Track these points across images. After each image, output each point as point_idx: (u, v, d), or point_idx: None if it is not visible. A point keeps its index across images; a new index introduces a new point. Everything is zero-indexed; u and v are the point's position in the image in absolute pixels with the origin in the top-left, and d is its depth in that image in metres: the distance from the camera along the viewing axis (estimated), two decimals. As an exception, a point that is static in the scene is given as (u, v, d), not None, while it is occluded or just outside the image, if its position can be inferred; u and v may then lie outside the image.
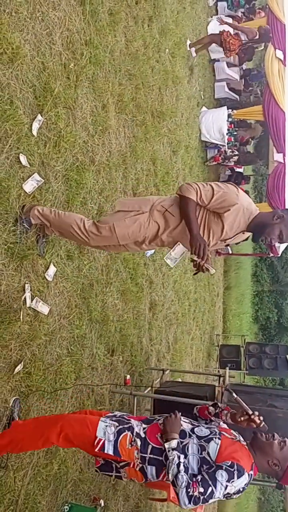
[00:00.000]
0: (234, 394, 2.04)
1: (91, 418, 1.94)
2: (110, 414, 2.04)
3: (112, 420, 1.94)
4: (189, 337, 6.16)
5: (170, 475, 1.77)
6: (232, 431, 1.97)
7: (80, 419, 1.93)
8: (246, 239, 2.39)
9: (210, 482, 1.73)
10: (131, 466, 1.89)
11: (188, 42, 6.69)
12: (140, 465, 1.88)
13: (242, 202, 2.17)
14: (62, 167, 2.72)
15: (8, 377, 2.18)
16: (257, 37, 7.57)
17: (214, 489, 1.72)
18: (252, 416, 1.92)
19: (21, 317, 2.25)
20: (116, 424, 1.92)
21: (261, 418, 1.94)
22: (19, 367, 2.23)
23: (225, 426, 2.00)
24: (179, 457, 1.79)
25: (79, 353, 2.87)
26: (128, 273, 3.86)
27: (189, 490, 1.71)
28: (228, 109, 7.95)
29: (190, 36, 6.87)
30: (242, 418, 1.94)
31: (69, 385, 2.67)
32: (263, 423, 1.93)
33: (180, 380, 4.99)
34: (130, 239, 2.26)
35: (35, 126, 2.44)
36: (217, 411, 2.08)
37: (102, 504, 2.91)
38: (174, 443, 1.83)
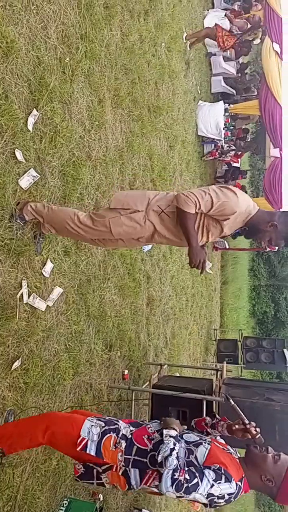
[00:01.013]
0: (231, 401, 1.98)
1: (77, 417, 1.89)
2: (100, 417, 2.00)
3: (99, 420, 1.89)
4: (187, 332, 6.18)
5: (159, 456, 1.70)
6: (228, 446, 1.91)
7: (66, 417, 1.88)
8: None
9: (197, 475, 1.68)
10: (114, 469, 1.82)
11: (185, 34, 6.65)
12: (123, 468, 1.81)
13: (241, 208, 2.13)
14: (58, 163, 2.70)
15: (6, 373, 2.18)
16: (247, 27, 7.53)
17: (200, 482, 1.66)
18: (248, 426, 1.87)
19: (17, 313, 2.25)
20: (102, 424, 1.87)
21: (258, 430, 1.88)
22: (16, 363, 2.22)
23: (222, 441, 1.95)
24: (174, 444, 1.74)
25: (77, 349, 2.88)
26: (126, 269, 3.85)
27: (175, 473, 1.64)
28: (224, 103, 7.92)
29: (187, 29, 6.82)
30: (237, 426, 1.89)
31: (67, 380, 2.67)
32: (259, 435, 1.86)
33: (178, 374, 5.01)
34: (125, 235, 2.23)
35: (31, 121, 2.42)
36: (213, 421, 2.02)
37: (101, 499, 2.93)
38: (173, 432, 1.80)
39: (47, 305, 2.53)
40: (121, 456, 1.81)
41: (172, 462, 1.67)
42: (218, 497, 1.69)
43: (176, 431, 1.83)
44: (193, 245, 2.14)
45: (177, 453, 1.72)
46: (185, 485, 1.64)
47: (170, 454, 1.69)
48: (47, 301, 2.53)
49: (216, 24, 7.30)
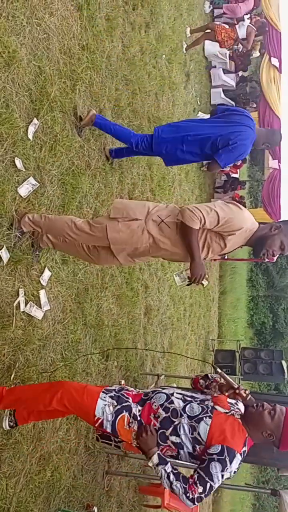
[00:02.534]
0: (218, 369, 2.12)
1: (91, 389, 1.97)
2: (109, 388, 2.04)
3: (112, 398, 1.95)
4: (184, 342, 6.15)
5: (166, 487, 1.82)
6: (228, 400, 1.99)
7: (79, 389, 1.95)
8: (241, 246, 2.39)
9: (207, 478, 1.77)
10: (129, 443, 1.94)
11: (185, 45, 6.73)
12: (137, 445, 1.92)
13: (247, 224, 2.15)
14: (57, 171, 2.71)
15: (1, 382, 2.16)
16: (255, 32, 7.55)
17: (212, 483, 1.77)
18: (237, 390, 1.99)
19: (14, 322, 2.24)
20: (115, 403, 1.93)
21: (247, 391, 1.99)
22: (12, 376, 2.20)
23: (220, 395, 2.05)
24: (165, 470, 1.82)
25: (74, 358, 2.85)
26: (123, 278, 3.85)
27: (188, 494, 1.76)
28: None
29: (187, 40, 6.91)
30: (227, 393, 2.01)
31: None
32: (250, 396, 1.98)
33: (175, 385, 4.98)
34: (121, 244, 2.19)
35: (31, 129, 2.43)
36: (207, 383, 2.14)
37: (96, 511, 2.88)
38: (155, 459, 1.84)
39: (44, 311, 2.52)
40: (134, 435, 1.91)
41: (178, 488, 1.79)
42: (230, 477, 1.83)
43: (155, 452, 1.86)
44: (196, 260, 2.14)
45: (172, 472, 1.81)
46: (203, 495, 1.77)
47: (171, 482, 1.79)
48: (43, 307, 2.52)
49: (215, 26, 7.33)
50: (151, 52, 4.89)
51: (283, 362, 7.44)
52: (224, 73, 8.99)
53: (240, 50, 8.97)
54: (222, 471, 1.76)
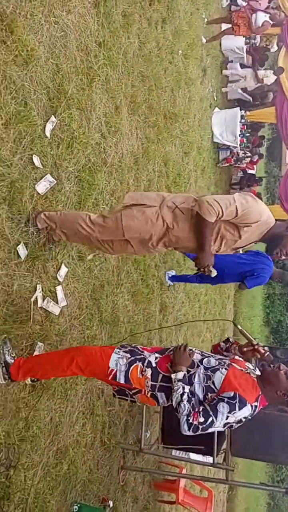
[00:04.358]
0: (239, 326, 2.22)
1: (105, 349, 2.08)
2: (125, 344, 2.15)
3: (125, 352, 2.04)
4: (199, 339, 6.13)
5: (173, 403, 1.88)
6: (246, 363, 2.05)
7: (95, 350, 2.07)
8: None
9: (211, 413, 1.82)
10: (143, 393, 2.00)
11: (204, 40, 6.66)
12: (151, 392, 1.99)
13: (263, 217, 2.14)
14: (74, 168, 2.74)
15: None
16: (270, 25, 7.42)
17: (214, 419, 1.81)
18: (256, 347, 2.08)
19: (31, 317, 2.27)
20: (128, 355, 2.03)
21: (266, 348, 2.08)
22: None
23: (239, 358, 2.10)
24: (183, 388, 1.87)
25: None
26: (139, 275, 3.86)
27: (189, 418, 1.81)
28: (240, 110, 7.91)
29: (206, 14, 6.81)
30: (246, 349, 2.10)
31: (79, 385, 2.68)
32: (268, 353, 2.08)
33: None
34: (135, 232, 2.17)
35: (49, 127, 2.45)
36: (227, 345, 2.25)
37: (111, 505, 2.91)
38: (180, 375, 1.92)
39: (61, 307, 2.55)
40: (147, 382, 1.99)
41: (184, 408, 1.82)
42: (235, 423, 1.86)
43: (183, 371, 1.95)
44: (206, 250, 2.17)
45: (187, 395, 1.86)
46: (201, 426, 1.81)
47: (182, 400, 1.84)
48: (60, 303, 2.55)
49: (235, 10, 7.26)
50: (168, 47, 4.86)
51: (300, 361, 7.35)
52: (241, 68, 8.88)
53: (258, 44, 8.85)
54: (229, 412, 1.81)
